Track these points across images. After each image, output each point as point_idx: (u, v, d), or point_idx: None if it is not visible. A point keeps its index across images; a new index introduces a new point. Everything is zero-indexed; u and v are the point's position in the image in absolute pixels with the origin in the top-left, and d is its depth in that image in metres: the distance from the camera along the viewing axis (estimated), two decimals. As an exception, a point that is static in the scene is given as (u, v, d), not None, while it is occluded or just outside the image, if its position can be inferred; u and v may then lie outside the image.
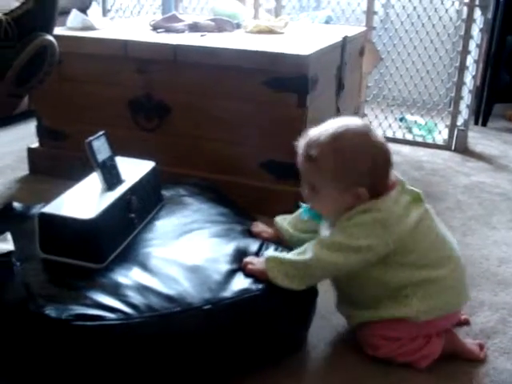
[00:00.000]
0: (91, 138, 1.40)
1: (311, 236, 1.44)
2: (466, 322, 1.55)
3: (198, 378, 1.25)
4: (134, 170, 1.56)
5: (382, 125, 3.17)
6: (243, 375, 1.30)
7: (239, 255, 1.40)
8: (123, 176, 1.49)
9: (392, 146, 2.84)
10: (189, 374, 1.23)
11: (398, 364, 1.37)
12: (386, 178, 1.35)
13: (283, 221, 1.55)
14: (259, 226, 1.58)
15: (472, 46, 2.94)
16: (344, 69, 2.45)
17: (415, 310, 1.33)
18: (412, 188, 1.39)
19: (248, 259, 1.38)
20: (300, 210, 1.47)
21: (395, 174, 1.38)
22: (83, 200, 1.39)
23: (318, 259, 1.30)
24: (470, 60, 2.96)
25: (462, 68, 2.95)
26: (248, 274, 1.34)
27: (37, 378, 1.18)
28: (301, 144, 1.37)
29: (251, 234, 1.54)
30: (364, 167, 1.31)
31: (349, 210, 1.33)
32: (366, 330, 1.39)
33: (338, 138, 1.32)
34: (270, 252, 1.42)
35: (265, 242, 1.49)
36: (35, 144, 2.44)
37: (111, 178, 1.44)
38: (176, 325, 1.20)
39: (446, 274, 1.35)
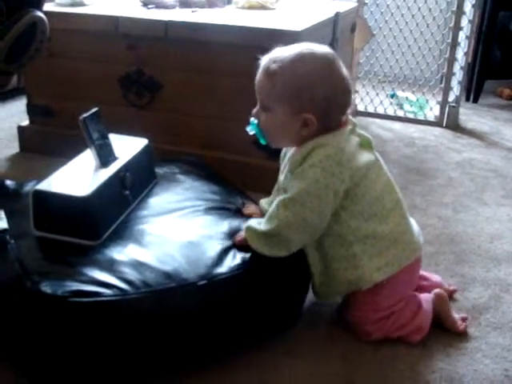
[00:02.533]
0: (85, 115, 1.39)
1: None
2: (452, 293, 1.57)
3: (194, 354, 1.26)
4: (127, 147, 1.56)
5: (374, 101, 3.18)
6: (240, 352, 1.32)
7: (233, 232, 1.40)
8: (117, 153, 1.49)
9: (383, 123, 2.97)
10: (185, 349, 1.24)
11: (393, 339, 1.39)
12: (341, 114, 1.33)
13: (267, 204, 1.51)
14: (250, 208, 1.57)
15: (464, 21, 2.95)
16: (336, 45, 2.45)
17: (367, 269, 1.34)
18: (363, 132, 1.39)
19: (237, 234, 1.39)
20: (250, 123, 1.41)
21: (350, 116, 1.37)
22: (77, 177, 1.39)
23: (285, 223, 1.28)
24: (461, 36, 2.97)
25: (454, 44, 2.96)
26: (239, 247, 1.34)
27: (33, 354, 1.18)
28: (264, 59, 1.34)
29: (243, 215, 1.53)
30: (320, 93, 1.28)
31: (295, 142, 1.33)
32: (349, 315, 1.41)
33: (301, 58, 1.30)
34: (249, 221, 1.38)
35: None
36: (25, 122, 2.44)
37: (105, 155, 1.44)
38: (171, 300, 1.20)
39: (390, 228, 1.35)
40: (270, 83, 1.31)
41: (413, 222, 1.46)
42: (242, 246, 1.34)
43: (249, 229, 1.34)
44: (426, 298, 1.45)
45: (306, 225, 1.29)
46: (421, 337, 1.39)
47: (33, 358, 1.19)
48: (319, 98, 1.29)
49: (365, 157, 1.33)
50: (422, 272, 1.53)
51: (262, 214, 1.49)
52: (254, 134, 1.41)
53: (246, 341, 1.33)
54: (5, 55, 1.70)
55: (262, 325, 1.34)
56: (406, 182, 2.31)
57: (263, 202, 1.55)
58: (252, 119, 1.39)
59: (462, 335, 1.43)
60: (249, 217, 1.51)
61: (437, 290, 1.47)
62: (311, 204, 1.27)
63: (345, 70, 1.33)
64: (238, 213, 1.54)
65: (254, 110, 1.38)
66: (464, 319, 1.46)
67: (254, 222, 1.35)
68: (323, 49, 1.34)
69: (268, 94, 1.33)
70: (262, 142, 1.41)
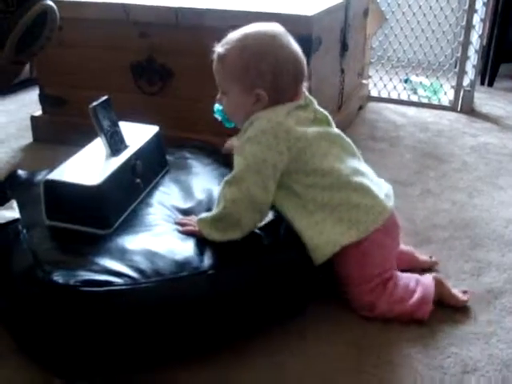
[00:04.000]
0: (95, 104, 1.39)
1: None
2: (431, 264, 1.60)
3: (205, 341, 1.26)
4: (137, 134, 1.55)
5: (387, 86, 3.15)
6: (251, 337, 1.32)
7: None
8: (127, 141, 1.48)
9: (397, 108, 2.94)
10: (196, 338, 1.24)
11: (401, 321, 1.39)
12: (291, 88, 1.37)
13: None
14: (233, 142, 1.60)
15: (479, 4, 2.90)
16: (348, 30, 2.42)
17: (331, 234, 1.33)
18: (321, 109, 1.42)
19: (183, 220, 1.39)
20: (213, 109, 1.47)
21: (306, 92, 1.40)
22: (88, 166, 1.38)
23: (231, 201, 1.30)
24: (476, 19, 2.93)
25: (469, 27, 2.92)
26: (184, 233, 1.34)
27: (46, 343, 1.18)
28: (217, 45, 1.39)
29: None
30: (266, 68, 1.32)
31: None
32: (346, 292, 1.41)
33: (245, 37, 1.35)
34: (201, 215, 1.38)
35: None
36: (38, 112, 2.43)
37: (116, 144, 1.44)
38: (183, 289, 1.20)
39: (347, 195, 1.35)
40: (221, 66, 1.38)
41: (382, 184, 1.46)
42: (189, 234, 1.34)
43: (200, 221, 1.34)
44: (424, 276, 1.46)
45: (252, 200, 1.30)
46: (426, 312, 1.38)
47: (46, 346, 1.19)
48: (266, 72, 1.33)
49: (311, 130, 1.35)
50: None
51: None
52: (221, 120, 1.47)
53: (257, 326, 1.33)
54: (15, 45, 1.70)
55: (273, 310, 1.33)
56: (420, 166, 2.29)
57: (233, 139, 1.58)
58: (216, 105, 1.46)
59: (466, 310, 1.44)
60: (228, 155, 1.58)
61: (434, 275, 1.48)
62: (253, 178, 1.29)
63: (293, 44, 1.37)
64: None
65: (217, 96, 1.43)
66: (465, 292, 1.47)
67: (204, 214, 1.36)
68: (269, 26, 1.39)
69: (221, 77, 1.39)
70: (228, 125, 1.47)
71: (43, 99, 2.40)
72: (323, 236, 1.34)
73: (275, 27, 1.39)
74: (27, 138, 2.45)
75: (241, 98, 1.36)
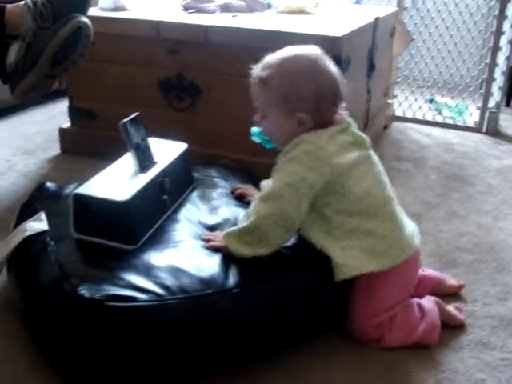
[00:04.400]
0: (126, 120, 1.39)
1: None
2: (458, 289, 1.59)
3: (228, 360, 1.26)
4: (166, 151, 1.56)
5: (412, 106, 3.14)
6: (274, 356, 1.31)
7: None
8: (156, 157, 1.49)
9: (421, 128, 2.93)
10: (219, 356, 1.23)
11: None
12: (332, 111, 1.37)
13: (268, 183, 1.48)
14: (248, 190, 1.61)
15: (506, 26, 2.89)
16: (375, 50, 2.43)
17: (353, 261, 1.32)
18: (358, 132, 1.40)
19: (209, 236, 1.38)
20: (251, 133, 1.47)
21: (346, 114, 1.40)
22: (117, 181, 1.39)
23: (263, 216, 1.29)
24: (503, 41, 2.92)
25: (496, 49, 2.91)
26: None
27: (70, 355, 1.19)
28: (256, 67, 1.39)
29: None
30: (308, 92, 1.33)
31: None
32: (350, 324, 1.39)
33: (286, 61, 1.36)
34: (227, 229, 1.37)
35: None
36: (66, 124, 2.45)
37: (144, 160, 1.44)
38: (208, 307, 1.20)
39: (375, 225, 1.34)
40: (262, 90, 1.37)
41: (409, 222, 1.44)
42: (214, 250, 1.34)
43: (227, 234, 1.33)
44: (425, 299, 1.45)
45: (284, 217, 1.29)
46: (436, 337, 1.39)
47: (69, 358, 1.19)
48: (308, 96, 1.33)
49: (351, 155, 1.34)
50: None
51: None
52: (260, 142, 1.47)
53: (280, 345, 1.32)
54: (50, 59, 1.72)
55: (296, 330, 1.33)
56: (444, 188, 2.27)
57: (265, 182, 1.55)
58: (253, 128, 1.46)
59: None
60: (239, 197, 1.60)
61: (433, 298, 1.46)
62: (288, 196, 1.29)
63: (332, 66, 1.37)
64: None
65: (255, 118, 1.43)
66: (460, 309, 1.48)
67: (231, 228, 1.36)
68: (307, 49, 1.39)
69: (262, 101, 1.39)
70: (269, 146, 1.46)
71: (72, 112, 2.42)
72: (346, 259, 1.32)
73: (314, 50, 1.39)
74: (55, 149, 2.46)
75: (283, 121, 1.36)
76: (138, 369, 1.17)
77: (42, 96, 2.12)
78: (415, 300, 1.43)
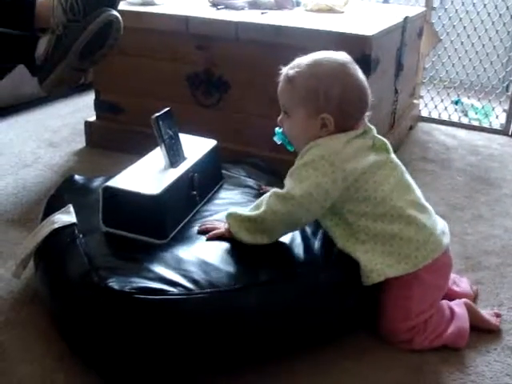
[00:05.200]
0: (157, 114, 1.39)
1: None
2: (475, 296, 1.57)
3: (255, 354, 1.26)
4: (196, 147, 1.56)
5: (438, 107, 3.11)
6: (301, 353, 1.31)
7: (298, 234, 1.39)
8: (186, 153, 1.49)
9: (447, 129, 2.89)
10: (247, 350, 1.23)
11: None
12: (356, 117, 1.36)
13: None
14: None
15: (535, 28, 2.86)
16: (404, 50, 2.41)
17: (379, 265, 1.31)
18: (380, 136, 1.41)
19: (206, 225, 1.39)
20: (274, 132, 1.46)
21: (366, 120, 1.39)
22: (147, 175, 1.39)
23: (273, 212, 1.30)
24: (532, 43, 2.89)
25: (524, 51, 2.88)
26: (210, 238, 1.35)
27: (99, 347, 1.19)
28: (285, 68, 1.40)
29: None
30: (335, 94, 1.32)
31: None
32: (381, 327, 1.38)
33: (316, 62, 1.36)
34: (231, 209, 1.39)
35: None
36: (92, 117, 2.46)
37: (174, 155, 1.44)
38: (236, 302, 1.20)
39: (401, 228, 1.33)
40: (289, 88, 1.38)
41: (438, 221, 1.42)
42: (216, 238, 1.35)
43: (231, 215, 1.34)
44: (455, 302, 1.45)
45: (292, 219, 1.31)
46: (465, 340, 1.38)
47: (99, 351, 1.19)
48: (335, 99, 1.33)
49: (368, 159, 1.34)
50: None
51: None
52: (281, 143, 1.46)
53: (306, 343, 1.32)
54: (79, 52, 1.72)
55: (322, 328, 1.33)
56: (471, 190, 2.25)
57: None
58: (276, 129, 1.45)
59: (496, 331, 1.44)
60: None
61: (463, 300, 1.46)
62: (302, 199, 1.29)
63: (361, 74, 1.37)
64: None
65: (279, 118, 1.42)
66: (498, 315, 1.48)
67: (235, 210, 1.36)
68: (339, 55, 1.39)
69: (288, 99, 1.39)
70: (290, 148, 1.45)
71: (98, 105, 2.43)
72: (371, 263, 1.32)
73: (343, 55, 1.39)
74: (80, 142, 2.47)
75: (306, 121, 1.36)
76: (165, 362, 1.17)
77: (69, 89, 2.13)
78: (445, 302, 1.43)
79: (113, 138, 2.36)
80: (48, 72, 1.79)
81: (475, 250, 1.80)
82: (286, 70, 1.39)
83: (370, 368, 1.31)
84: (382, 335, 1.38)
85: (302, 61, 1.38)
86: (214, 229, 1.37)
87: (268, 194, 1.33)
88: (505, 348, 1.39)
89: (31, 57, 1.84)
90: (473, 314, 1.43)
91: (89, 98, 2.47)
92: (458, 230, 1.91)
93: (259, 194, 1.56)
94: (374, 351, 1.35)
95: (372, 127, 1.40)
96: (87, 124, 2.45)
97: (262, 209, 1.31)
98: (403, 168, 1.42)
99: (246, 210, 1.35)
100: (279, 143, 1.46)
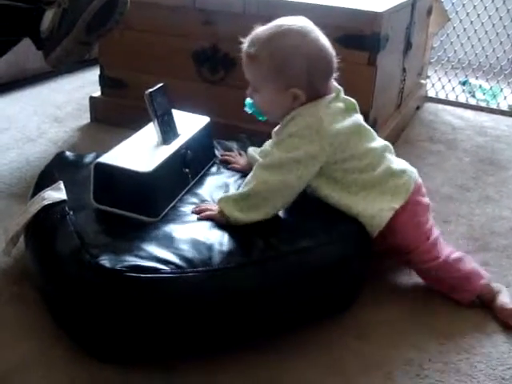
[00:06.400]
0: (151, 90, 1.32)
1: None
2: None
3: (251, 333, 1.21)
4: (189, 124, 1.49)
5: (445, 88, 2.99)
6: (298, 330, 1.25)
7: (295, 210, 1.33)
8: (179, 130, 1.42)
9: (454, 110, 2.77)
10: (243, 328, 1.19)
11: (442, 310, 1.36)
12: (325, 82, 1.33)
13: (254, 151, 1.50)
14: (234, 157, 1.56)
15: (545, 8, 2.73)
16: (413, 28, 2.29)
17: (377, 209, 1.32)
18: (348, 97, 1.38)
19: (200, 207, 1.32)
20: (244, 103, 1.42)
21: (335, 82, 1.37)
22: (139, 152, 1.32)
23: (263, 182, 1.26)
24: (542, 23, 2.75)
25: (534, 31, 2.75)
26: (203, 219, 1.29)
27: (87, 326, 1.14)
28: (246, 40, 1.34)
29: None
30: (300, 68, 1.28)
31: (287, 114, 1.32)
32: (412, 250, 1.37)
33: (276, 37, 1.30)
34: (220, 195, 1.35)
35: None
36: (97, 93, 2.37)
37: (167, 132, 1.37)
38: (230, 280, 1.14)
39: (384, 169, 1.35)
40: (253, 65, 1.33)
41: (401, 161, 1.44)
42: (209, 219, 1.28)
43: (222, 200, 1.28)
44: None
45: (285, 186, 1.27)
46: (471, 295, 1.36)
47: (88, 329, 1.14)
48: (301, 71, 1.29)
49: (347, 122, 1.33)
50: None
51: (243, 164, 1.52)
52: (252, 113, 1.42)
53: (304, 320, 1.27)
54: (86, 26, 1.64)
55: (322, 304, 1.28)
56: (478, 171, 2.15)
57: (250, 149, 1.52)
58: (247, 99, 1.41)
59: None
60: (230, 167, 1.54)
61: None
62: (290, 166, 1.26)
63: (322, 38, 1.32)
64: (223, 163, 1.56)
65: (247, 91, 1.38)
66: None
67: (226, 194, 1.34)
68: (297, 21, 1.33)
69: (253, 76, 1.34)
70: (262, 118, 1.42)
71: (103, 81, 2.33)
72: (375, 205, 1.32)
73: (304, 22, 1.33)
74: (85, 118, 2.38)
75: (276, 97, 1.32)
76: (158, 341, 1.13)
77: (74, 64, 2.05)
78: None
79: (117, 114, 2.27)
80: (54, 46, 1.71)
81: (483, 231, 1.72)
82: (247, 47, 1.33)
83: (373, 345, 1.25)
84: (410, 267, 1.43)
85: (261, 35, 1.31)
86: (207, 210, 1.30)
87: (254, 168, 1.30)
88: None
89: (36, 30, 1.75)
90: (494, 296, 1.38)
91: (93, 74, 2.39)
92: (465, 211, 1.83)
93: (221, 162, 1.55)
94: (377, 327, 1.30)
95: (340, 88, 1.37)
96: (92, 99, 2.36)
97: (253, 183, 1.26)
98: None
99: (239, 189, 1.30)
100: (250, 113, 1.42)
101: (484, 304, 1.37)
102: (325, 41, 1.32)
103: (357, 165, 1.33)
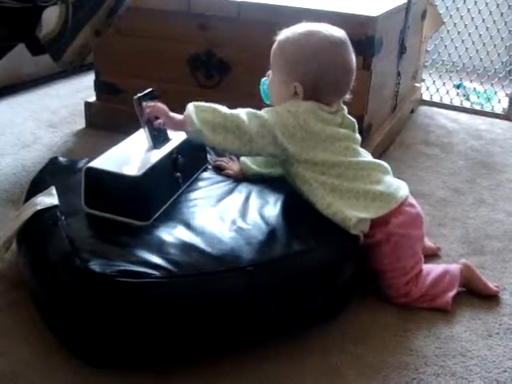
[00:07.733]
0: (139, 94, 1.31)
1: (272, 171, 1.46)
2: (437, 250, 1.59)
3: (240, 339, 1.19)
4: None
5: (440, 91, 2.97)
6: (295, 336, 1.25)
7: (284, 216, 1.32)
8: (170, 134, 1.40)
9: (448, 113, 2.75)
10: (231, 335, 1.17)
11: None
12: (331, 95, 1.36)
13: (247, 157, 1.50)
14: (227, 163, 1.56)
15: (540, 11, 2.71)
16: (407, 32, 2.27)
17: (347, 212, 1.29)
18: (349, 117, 1.41)
19: (224, 162, 1.52)
20: (261, 82, 1.45)
21: (341, 102, 1.39)
22: (130, 156, 1.30)
23: (237, 116, 1.28)
24: (536, 27, 2.73)
25: (528, 35, 2.72)
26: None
27: (81, 331, 1.12)
28: (286, 29, 1.39)
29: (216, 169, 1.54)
30: (311, 69, 1.32)
31: None
32: (386, 282, 1.36)
33: (308, 34, 1.35)
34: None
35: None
36: (92, 98, 2.34)
37: (158, 136, 1.35)
38: (219, 285, 1.13)
39: (358, 185, 1.32)
40: (276, 51, 1.37)
41: (394, 180, 1.40)
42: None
43: (194, 103, 1.29)
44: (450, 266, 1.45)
45: (249, 134, 1.26)
46: (452, 294, 1.37)
47: (78, 333, 1.13)
48: (311, 73, 1.32)
49: (333, 130, 1.34)
50: None
51: (235, 170, 1.51)
52: (262, 93, 1.46)
53: (295, 326, 1.26)
54: (109, 11, 1.63)
55: (311, 310, 1.26)
56: (473, 174, 2.12)
57: (247, 160, 1.51)
58: (264, 79, 1.44)
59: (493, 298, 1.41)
60: (224, 174, 1.52)
61: (462, 260, 1.45)
62: (265, 123, 1.27)
63: (350, 57, 1.35)
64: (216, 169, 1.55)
65: (268, 72, 1.42)
66: (496, 287, 1.44)
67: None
68: (335, 32, 1.36)
69: (273, 61, 1.39)
70: (266, 100, 1.45)
71: (98, 86, 2.30)
72: (340, 215, 1.30)
73: (340, 34, 1.36)
74: (80, 123, 2.36)
75: (281, 85, 1.36)
76: (148, 345, 1.11)
77: (79, 65, 2.01)
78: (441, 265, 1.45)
79: (112, 119, 2.24)
80: (68, 41, 1.65)
81: (477, 235, 1.70)
82: (281, 34, 1.38)
83: (369, 349, 1.23)
84: (382, 293, 1.38)
85: (299, 28, 1.36)
86: (226, 168, 1.49)
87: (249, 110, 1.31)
88: (507, 332, 1.32)
89: (32, 34, 1.69)
90: (471, 275, 1.42)
91: (88, 79, 2.37)
92: (459, 214, 1.81)
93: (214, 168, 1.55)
94: (373, 331, 1.29)
95: (344, 107, 1.40)
96: (87, 105, 2.33)
97: (232, 113, 1.29)
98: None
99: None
100: (261, 92, 1.45)
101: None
102: (350, 58, 1.35)
103: (326, 171, 1.32)
